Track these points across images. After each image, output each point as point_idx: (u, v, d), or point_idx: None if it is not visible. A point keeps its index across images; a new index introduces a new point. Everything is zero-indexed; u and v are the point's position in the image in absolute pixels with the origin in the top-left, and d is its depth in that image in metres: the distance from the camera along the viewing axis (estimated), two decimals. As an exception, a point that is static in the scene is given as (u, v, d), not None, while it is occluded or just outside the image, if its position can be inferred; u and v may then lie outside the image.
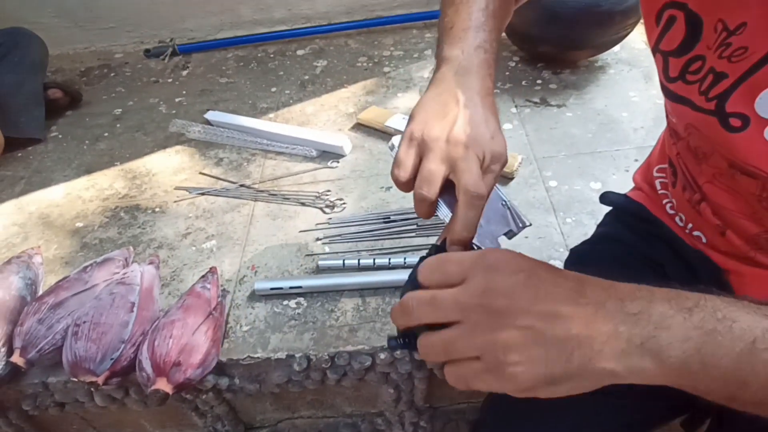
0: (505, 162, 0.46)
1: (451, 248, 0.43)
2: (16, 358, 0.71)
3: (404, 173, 0.44)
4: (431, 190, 0.43)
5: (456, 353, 0.34)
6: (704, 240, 0.57)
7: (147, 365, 0.69)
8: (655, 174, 0.65)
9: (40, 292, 0.84)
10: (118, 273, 0.81)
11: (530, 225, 0.50)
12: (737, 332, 0.30)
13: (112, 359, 0.70)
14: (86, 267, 0.82)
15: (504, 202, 0.49)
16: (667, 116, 0.57)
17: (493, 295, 0.33)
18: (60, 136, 1.27)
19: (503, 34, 1.31)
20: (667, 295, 0.32)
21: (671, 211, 0.62)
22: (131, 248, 0.91)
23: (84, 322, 0.71)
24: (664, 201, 0.63)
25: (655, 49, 0.48)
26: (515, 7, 0.60)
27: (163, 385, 0.68)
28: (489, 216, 0.47)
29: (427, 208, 0.44)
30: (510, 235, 0.49)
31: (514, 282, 0.34)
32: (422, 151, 0.44)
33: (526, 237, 0.86)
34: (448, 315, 0.35)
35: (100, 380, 0.69)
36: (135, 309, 0.74)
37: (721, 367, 0.30)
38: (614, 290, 0.33)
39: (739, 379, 0.30)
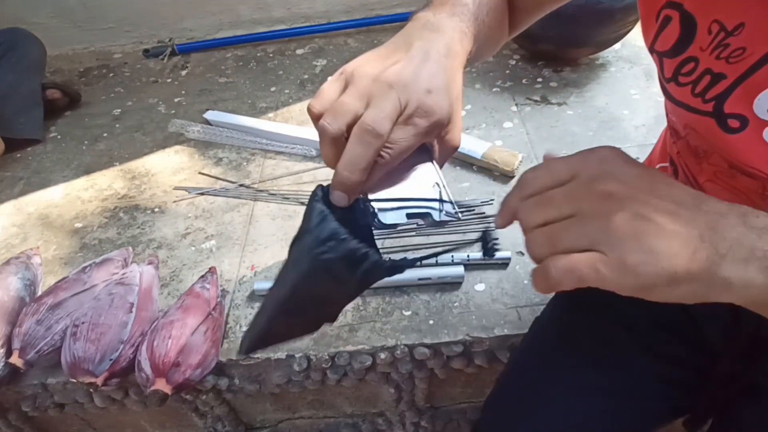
0: (438, 123, 0.40)
1: (333, 193, 0.38)
2: (15, 359, 0.71)
3: (319, 105, 0.39)
4: (335, 122, 0.37)
5: (566, 241, 0.31)
6: None
7: (146, 366, 0.68)
8: None
9: (39, 293, 0.83)
10: (117, 273, 0.81)
11: (458, 219, 0.43)
12: None
13: (111, 360, 0.69)
14: (85, 267, 0.82)
15: (437, 183, 0.41)
16: (667, 115, 0.56)
17: (607, 180, 0.31)
18: (59, 137, 1.26)
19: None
20: None
21: (672, 210, 0.62)
22: (130, 249, 0.91)
23: (83, 323, 0.71)
24: (666, 199, 0.63)
25: (651, 50, 0.48)
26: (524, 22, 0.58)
27: (162, 386, 0.67)
28: (412, 193, 0.40)
29: (329, 145, 0.38)
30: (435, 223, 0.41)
31: (631, 172, 0.31)
32: (346, 85, 0.39)
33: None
34: (561, 210, 0.31)
35: (99, 381, 0.69)
36: (134, 309, 0.73)
37: None
38: (736, 206, 0.31)
39: None
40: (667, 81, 0.47)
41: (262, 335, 0.43)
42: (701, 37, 0.42)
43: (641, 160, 0.71)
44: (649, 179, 0.31)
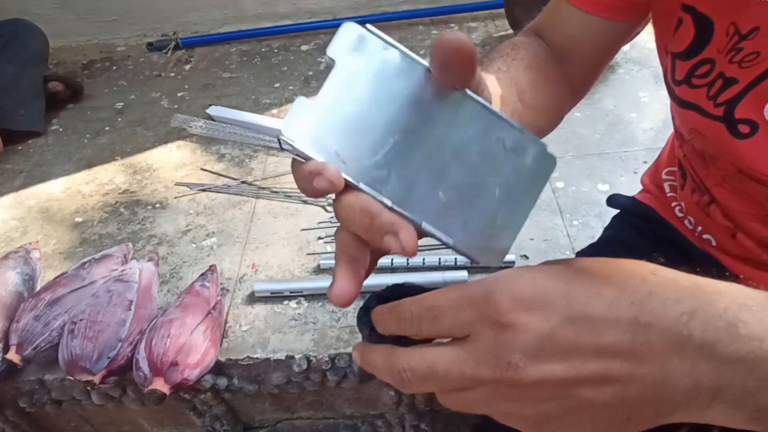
0: None
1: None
2: (12, 355, 0.70)
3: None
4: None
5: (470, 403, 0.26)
6: (714, 243, 0.56)
7: (144, 365, 0.68)
8: (664, 177, 0.64)
9: (38, 288, 0.83)
10: (117, 270, 0.80)
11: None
12: None
13: (108, 358, 0.69)
14: (84, 263, 0.81)
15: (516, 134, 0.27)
16: (672, 118, 0.55)
17: (515, 367, 0.23)
18: (61, 130, 1.26)
19: (511, 30, 1.30)
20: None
21: (680, 215, 0.61)
22: (130, 245, 0.90)
23: (81, 320, 0.70)
24: (673, 204, 0.62)
25: (664, 51, 0.47)
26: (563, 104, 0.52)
27: (160, 386, 0.66)
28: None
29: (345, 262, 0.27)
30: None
31: (543, 339, 0.23)
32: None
33: (532, 239, 0.84)
34: (455, 386, 0.26)
35: (96, 379, 0.68)
36: (133, 307, 0.73)
37: None
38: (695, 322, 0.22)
39: None
40: (677, 83, 0.46)
41: None
42: (718, 38, 0.41)
43: (649, 164, 0.71)
44: (573, 335, 0.23)
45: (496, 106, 0.33)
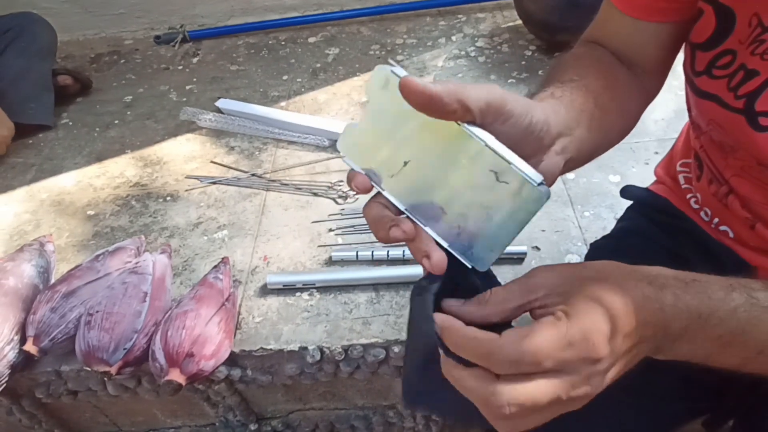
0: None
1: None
2: (29, 347, 0.71)
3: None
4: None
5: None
6: (731, 235, 0.56)
7: (160, 356, 0.68)
8: (679, 168, 0.64)
9: (53, 281, 0.83)
10: (131, 262, 0.81)
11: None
12: None
13: (125, 349, 0.69)
14: (98, 255, 0.82)
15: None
16: (689, 109, 0.55)
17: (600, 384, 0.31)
18: (70, 123, 1.26)
19: (520, 22, 1.29)
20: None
21: (696, 206, 0.60)
22: (143, 237, 0.90)
23: (97, 312, 0.71)
24: (688, 196, 0.61)
25: (686, 42, 0.47)
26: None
27: (176, 376, 0.67)
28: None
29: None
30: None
31: (617, 356, 0.31)
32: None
33: (543, 230, 0.84)
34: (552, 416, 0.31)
35: (113, 370, 0.69)
36: (147, 299, 0.73)
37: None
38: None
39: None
40: (696, 74, 0.46)
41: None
42: (740, 29, 0.40)
43: (661, 155, 0.70)
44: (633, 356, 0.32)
45: (572, 114, 0.38)
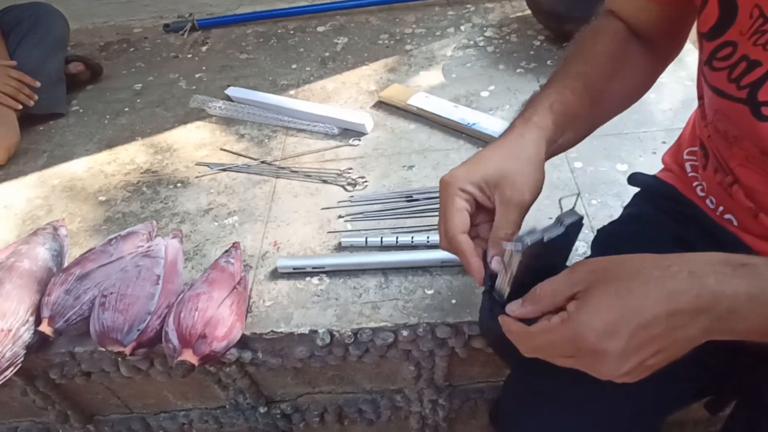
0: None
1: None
2: (45, 328, 0.73)
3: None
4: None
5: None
6: (735, 223, 0.56)
7: (173, 337, 0.69)
8: (686, 156, 0.64)
9: (66, 264, 0.85)
10: (143, 246, 0.82)
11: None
12: None
13: (138, 330, 0.71)
14: (111, 240, 0.83)
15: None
16: (700, 98, 0.55)
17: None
18: (81, 111, 1.27)
19: (529, 11, 1.29)
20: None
21: (702, 194, 0.61)
22: (155, 222, 0.92)
23: (111, 293, 0.72)
24: (695, 184, 0.62)
25: (696, 30, 0.47)
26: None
27: (189, 357, 0.68)
28: None
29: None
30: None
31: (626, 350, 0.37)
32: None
33: (550, 218, 0.85)
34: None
35: (127, 351, 0.70)
36: (160, 282, 0.74)
37: None
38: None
39: None
40: (704, 64, 0.46)
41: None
42: (742, 20, 0.41)
43: (668, 144, 0.71)
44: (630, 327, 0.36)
45: (562, 120, 0.53)
